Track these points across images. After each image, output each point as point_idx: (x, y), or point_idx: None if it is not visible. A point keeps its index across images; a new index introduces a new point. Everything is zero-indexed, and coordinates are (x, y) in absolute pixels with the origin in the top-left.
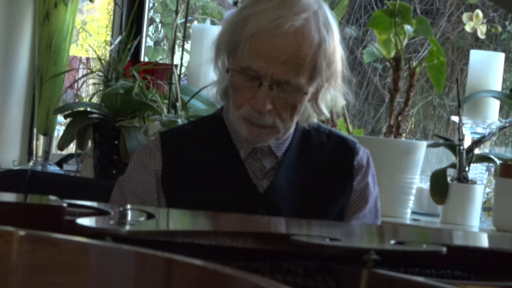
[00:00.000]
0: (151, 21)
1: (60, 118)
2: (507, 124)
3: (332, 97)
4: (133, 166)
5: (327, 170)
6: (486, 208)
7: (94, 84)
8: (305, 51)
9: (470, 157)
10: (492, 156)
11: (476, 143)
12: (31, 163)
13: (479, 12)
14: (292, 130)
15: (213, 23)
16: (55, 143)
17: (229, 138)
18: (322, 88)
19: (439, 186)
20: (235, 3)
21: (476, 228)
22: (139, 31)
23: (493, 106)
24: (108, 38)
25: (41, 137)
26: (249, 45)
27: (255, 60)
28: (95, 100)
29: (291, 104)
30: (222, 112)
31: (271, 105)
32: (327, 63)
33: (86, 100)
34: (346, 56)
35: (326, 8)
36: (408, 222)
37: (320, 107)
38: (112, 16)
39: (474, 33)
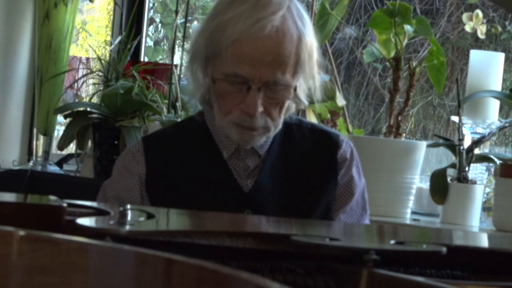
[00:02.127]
0: (151, 21)
1: (60, 118)
2: (507, 124)
3: (310, 86)
4: (116, 170)
5: (310, 165)
6: (486, 208)
7: (94, 84)
8: (288, 48)
9: (470, 157)
10: (492, 156)
11: (476, 143)
12: (31, 163)
13: (479, 12)
14: (280, 126)
15: None
16: (55, 143)
17: (211, 139)
18: (300, 78)
19: (439, 186)
20: None
21: (476, 228)
22: (139, 31)
23: (493, 106)
24: (108, 38)
25: (41, 137)
26: (232, 52)
27: (241, 66)
28: (95, 100)
29: (280, 102)
30: (202, 115)
31: (261, 107)
32: (308, 54)
33: (86, 100)
34: (346, 56)
35: (295, 0)
36: (408, 222)
37: (300, 97)
38: (112, 16)
39: (474, 33)
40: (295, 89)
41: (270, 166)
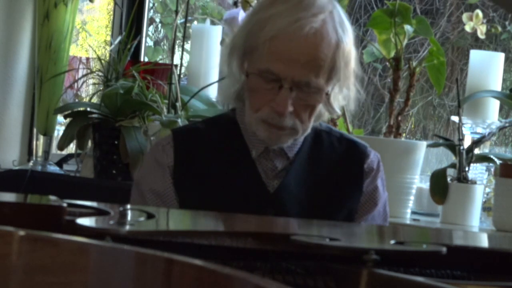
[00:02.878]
0: (151, 21)
1: (60, 118)
2: (507, 124)
3: (345, 96)
4: (148, 164)
5: (337, 172)
6: (486, 208)
7: (94, 84)
8: (325, 52)
9: (470, 157)
10: (492, 156)
11: (476, 143)
12: (31, 163)
13: (479, 12)
14: (309, 130)
15: (213, 23)
16: (55, 143)
17: (241, 138)
18: (335, 86)
19: (439, 186)
20: (235, 3)
21: (476, 228)
22: (139, 31)
23: (493, 106)
24: (108, 38)
25: (41, 137)
26: (268, 48)
27: (275, 63)
28: (95, 100)
29: (311, 105)
30: (234, 112)
31: (291, 107)
32: (344, 62)
33: (86, 100)
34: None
35: (339, 7)
36: (408, 222)
37: (333, 106)
38: (112, 16)
39: (474, 33)
40: (328, 95)
41: (297, 168)
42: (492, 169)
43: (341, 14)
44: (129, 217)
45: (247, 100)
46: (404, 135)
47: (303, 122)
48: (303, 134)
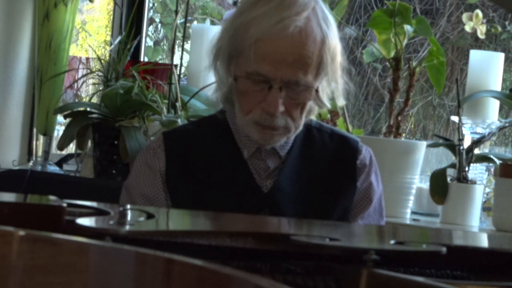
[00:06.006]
0: (151, 21)
1: (60, 118)
2: (506, 124)
3: (334, 89)
4: (138, 168)
5: (330, 170)
6: (486, 208)
7: (94, 84)
8: (311, 49)
9: (470, 157)
10: (492, 156)
11: (476, 143)
12: (31, 163)
13: (479, 12)
14: (301, 127)
15: (213, 23)
16: (55, 143)
17: (232, 138)
18: (323, 81)
19: (439, 186)
20: (235, 3)
21: (476, 228)
22: (139, 31)
23: (493, 106)
24: (108, 38)
25: (41, 137)
26: (254, 51)
27: (263, 65)
28: (95, 100)
29: (301, 103)
30: (224, 113)
31: (282, 106)
32: (331, 57)
33: (86, 100)
34: (346, 56)
35: (321, 2)
36: (408, 222)
37: (322, 100)
38: (112, 16)
39: (474, 33)
40: (317, 91)
41: (290, 167)
42: (492, 169)
43: (324, 8)
44: (129, 217)
45: (236, 102)
46: (404, 135)
47: (295, 120)
48: (296, 132)
